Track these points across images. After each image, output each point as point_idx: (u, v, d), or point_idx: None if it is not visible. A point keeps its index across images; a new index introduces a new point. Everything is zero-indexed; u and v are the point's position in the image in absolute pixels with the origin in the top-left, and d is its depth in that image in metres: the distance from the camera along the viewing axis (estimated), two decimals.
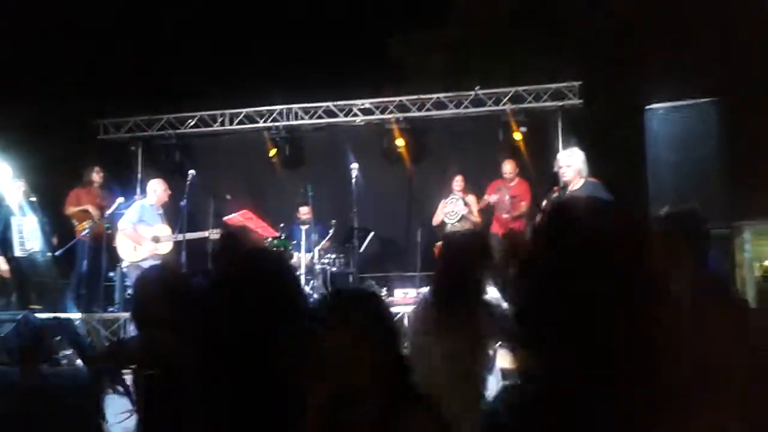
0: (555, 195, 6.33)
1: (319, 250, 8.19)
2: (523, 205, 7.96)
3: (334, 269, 8.26)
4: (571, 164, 6.21)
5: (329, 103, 9.90)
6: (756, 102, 10.20)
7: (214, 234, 7.61)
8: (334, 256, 8.30)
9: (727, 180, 5.64)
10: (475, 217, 8.35)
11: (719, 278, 2.54)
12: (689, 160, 5.64)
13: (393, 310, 7.73)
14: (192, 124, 10.19)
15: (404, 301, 8.02)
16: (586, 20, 12.58)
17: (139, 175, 10.07)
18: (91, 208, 8.23)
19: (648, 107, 5.95)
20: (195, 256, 7.81)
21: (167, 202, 7.85)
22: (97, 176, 8.57)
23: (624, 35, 12.37)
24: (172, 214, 7.90)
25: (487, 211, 8.40)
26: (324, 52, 13.34)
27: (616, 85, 12.01)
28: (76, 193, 8.42)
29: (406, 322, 7.55)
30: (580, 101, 9.04)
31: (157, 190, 7.69)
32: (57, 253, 7.65)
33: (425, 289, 7.76)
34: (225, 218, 7.78)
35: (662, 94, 6.00)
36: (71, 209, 8.30)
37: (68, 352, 5.08)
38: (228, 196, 8.54)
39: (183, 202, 7.09)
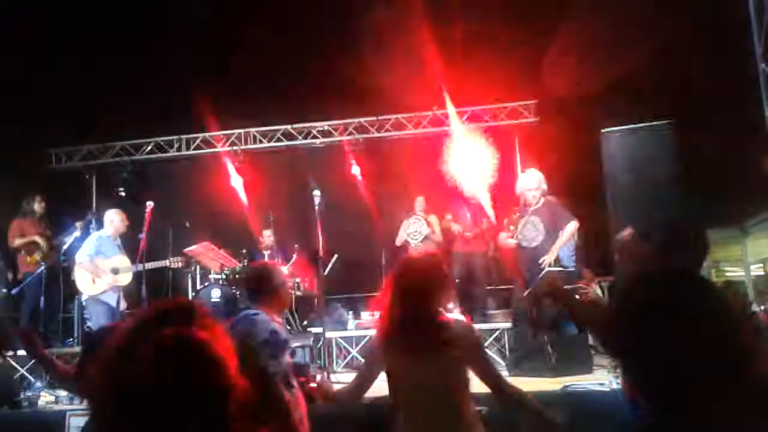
0: (519, 214, 6.44)
1: None
2: (485, 223, 8.04)
3: (299, 293, 8.18)
4: (537, 187, 6.36)
5: (288, 126, 9.85)
6: (707, 121, 10.59)
7: (174, 263, 7.48)
8: (298, 280, 8.23)
9: (680, 195, 5.81)
10: (438, 237, 8.40)
11: None
12: (645, 180, 5.81)
13: (360, 332, 7.73)
14: (147, 150, 10.01)
15: (371, 323, 7.99)
16: (540, 42, 12.83)
17: (94, 205, 9.81)
18: (39, 239, 7.96)
19: (604, 130, 6.11)
20: (155, 286, 7.65)
21: (125, 232, 7.66)
22: (38, 206, 8.22)
23: (577, 58, 12.66)
24: (131, 244, 7.70)
25: (450, 230, 8.44)
26: (280, 75, 13.26)
27: (571, 105, 12.27)
28: (18, 224, 8.06)
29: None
30: (537, 119, 9.20)
31: (114, 220, 7.49)
32: (13, 292, 7.37)
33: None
34: (185, 250, 7.65)
35: (617, 117, 6.17)
36: (17, 241, 7.96)
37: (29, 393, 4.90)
38: (187, 224, 8.41)
39: (141, 235, 6.90)
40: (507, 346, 7.20)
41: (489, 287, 8.09)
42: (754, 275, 11.39)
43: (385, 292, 2.95)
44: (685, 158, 6.14)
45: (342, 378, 3.96)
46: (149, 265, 7.24)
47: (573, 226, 6.18)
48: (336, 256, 8.51)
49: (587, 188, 7.56)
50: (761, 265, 12.11)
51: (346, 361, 7.52)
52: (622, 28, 11.86)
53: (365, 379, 2.99)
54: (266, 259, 8.03)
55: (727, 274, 11.98)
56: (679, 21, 11.39)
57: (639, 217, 5.78)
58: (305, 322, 7.92)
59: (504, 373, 6.52)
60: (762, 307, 7.20)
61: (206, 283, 8.02)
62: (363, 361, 2.96)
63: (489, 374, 2.81)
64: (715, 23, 9.85)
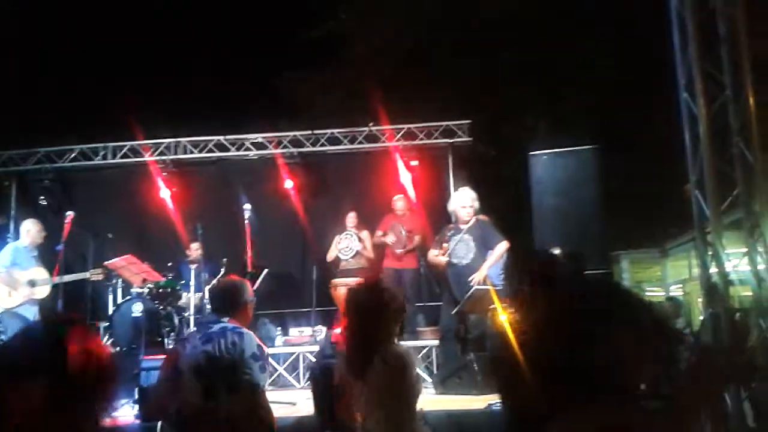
0: (451, 232, 6.50)
1: (209, 290, 7.90)
2: (416, 239, 8.07)
3: None
4: (470, 205, 6.46)
5: (220, 137, 9.67)
6: (630, 145, 11.02)
7: (95, 275, 7.19)
8: None
9: (604, 218, 5.98)
10: (369, 253, 8.37)
11: None
12: (570, 202, 5.98)
13: (289, 348, 7.60)
14: (71, 157, 9.63)
15: (299, 339, 7.88)
16: (472, 64, 13.14)
17: (13, 213, 9.34)
18: None
19: (531, 153, 6.25)
20: (74, 300, 7.32)
21: (42, 243, 7.31)
22: None
23: (507, 83, 13.03)
24: (49, 255, 7.35)
25: (381, 246, 8.44)
26: (215, 86, 13.08)
27: (502, 127, 12.60)
28: None
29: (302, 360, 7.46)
30: (470, 139, 9.34)
31: (30, 230, 7.15)
32: None
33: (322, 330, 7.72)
34: (106, 262, 7.36)
35: (544, 141, 6.34)
36: None
37: None
38: (110, 235, 8.12)
39: (59, 246, 6.61)
40: (435, 363, 7.22)
41: (418, 304, 8.10)
42: (672, 296, 11.84)
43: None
44: (609, 182, 6.34)
45: (270, 396, 3.84)
46: (67, 278, 6.95)
47: (503, 246, 6.27)
48: (266, 270, 8.35)
49: (515, 208, 7.73)
50: (680, 285, 12.60)
51: (272, 378, 7.36)
52: (550, 56, 12.29)
53: None
54: (192, 272, 7.80)
55: (647, 294, 12.40)
56: (606, 51, 11.93)
57: (563, 238, 5.93)
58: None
59: (431, 390, 6.55)
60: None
61: (128, 297, 7.73)
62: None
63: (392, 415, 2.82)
64: (641, 54, 10.33)
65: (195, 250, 8.26)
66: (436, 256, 6.63)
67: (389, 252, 8.26)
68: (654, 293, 12.86)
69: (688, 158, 4.94)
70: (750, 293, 4.74)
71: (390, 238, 8.20)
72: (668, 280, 12.72)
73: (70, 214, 6.84)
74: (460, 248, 6.42)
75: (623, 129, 11.38)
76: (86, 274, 7.16)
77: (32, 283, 6.92)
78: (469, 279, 6.22)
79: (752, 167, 4.65)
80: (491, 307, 5.46)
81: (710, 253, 4.80)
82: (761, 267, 4.66)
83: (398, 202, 8.41)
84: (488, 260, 6.25)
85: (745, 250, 4.76)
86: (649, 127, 10.98)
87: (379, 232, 8.34)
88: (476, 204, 6.50)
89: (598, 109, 11.59)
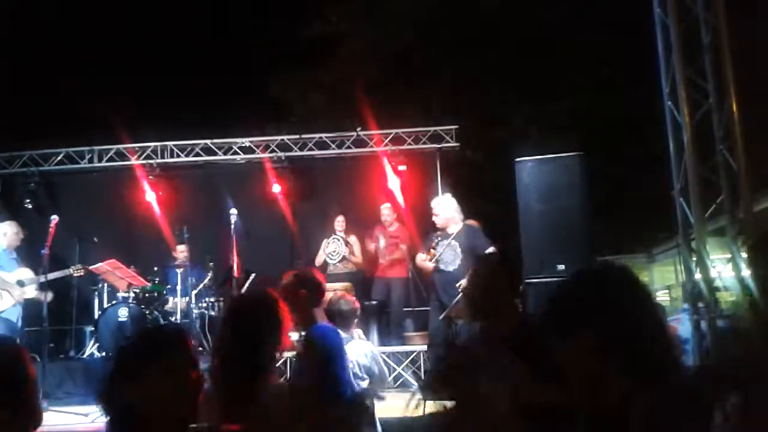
0: (438, 238, 6.51)
1: (196, 294, 7.87)
2: (403, 248, 8.05)
3: (212, 313, 7.94)
4: (440, 213, 6.49)
5: (207, 141, 9.63)
6: (617, 153, 11.12)
7: (77, 271, 7.13)
8: (212, 299, 8.00)
9: (590, 224, 6.03)
10: (357, 258, 8.37)
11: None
12: (556, 208, 6.00)
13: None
14: (57, 160, 9.56)
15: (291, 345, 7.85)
16: (460, 69, 13.21)
17: None
18: None
19: (517, 160, 6.28)
20: (59, 303, 7.27)
21: (19, 245, 7.24)
22: None
23: (494, 89, 13.11)
24: (34, 258, 7.28)
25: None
26: (204, 90, 13.03)
27: (489, 133, 12.66)
28: None
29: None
30: (457, 144, 9.36)
31: (7, 233, 7.08)
32: None
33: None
34: (91, 267, 7.31)
35: (530, 147, 6.40)
36: None
37: None
38: (95, 239, 8.06)
39: (44, 251, 6.54)
40: (422, 368, 7.22)
41: (406, 309, 8.11)
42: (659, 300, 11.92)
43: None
44: (596, 188, 6.39)
45: None
46: (52, 276, 6.87)
47: (491, 251, 6.28)
48: (254, 275, 8.32)
49: (502, 214, 7.75)
50: (666, 291, 12.70)
51: None
52: (537, 63, 12.37)
53: None
54: (179, 276, 7.76)
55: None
56: (593, 58, 12.03)
57: (550, 244, 5.96)
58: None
59: (418, 395, 6.54)
60: None
61: (113, 302, 7.68)
62: None
63: None
64: (626, 63, 10.43)
65: (181, 254, 8.23)
66: (423, 260, 6.64)
67: (379, 261, 8.28)
68: None
69: (672, 165, 4.99)
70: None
71: (372, 246, 8.23)
72: (655, 285, 12.81)
73: (54, 218, 6.77)
74: (447, 254, 6.43)
75: (609, 136, 11.47)
76: (68, 271, 7.09)
77: (21, 283, 6.86)
78: (457, 285, 6.22)
79: (736, 174, 4.70)
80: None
81: (694, 259, 4.85)
82: (745, 273, 4.71)
83: (384, 210, 8.40)
84: None
85: (729, 256, 4.81)
86: (636, 135, 11.08)
87: (367, 240, 8.35)
88: (451, 211, 6.49)
89: (584, 116, 11.67)
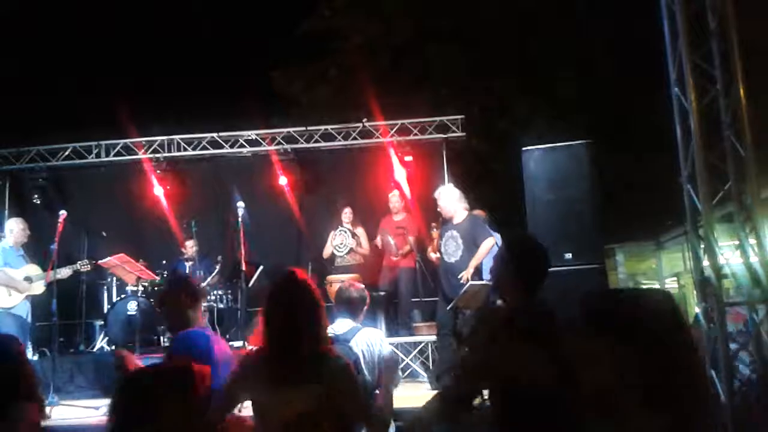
0: (442, 228, 6.51)
1: (205, 287, 7.91)
2: (411, 240, 8.03)
3: (221, 306, 7.99)
4: (442, 203, 6.47)
5: (214, 134, 9.64)
6: (625, 141, 11.05)
7: (84, 266, 7.17)
8: (221, 292, 8.04)
9: (598, 212, 6.00)
10: (364, 250, 8.37)
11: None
12: (563, 198, 5.98)
13: None
14: (64, 155, 9.60)
15: None
16: (466, 59, 13.15)
17: (7, 212, 9.31)
18: None
19: (524, 149, 6.26)
20: (69, 299, 7.32)
21: (27, 242, 7.29)
22: None
23: (500, 78, 13.04)
24: (42, 254, 7.33)
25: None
26: (209, 83, 13.03)
27: (495, 123, 12.61)
28: None
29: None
30: (463, 134, 9.33)
31: (14, 230, 7.13)
32: None
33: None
34: (99, 261, 7.35)
35: (537, 136, 6.36)
36: None
37: None
38: (104, 233, 8.11)
39: (53, 245, 6.58)
40: (431, 359, 7.24)
41: (414, 299, 8.12)
42: (668, 288, 11.88)
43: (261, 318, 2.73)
44: (604, 176, 6.35)
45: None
46: (58, 274, 6.92)
47: (489, 242, 6.25)
48: (261, 267, 8.35)
49: (509, 203, 7.72)
50: (675, 278, 12.64)
51: None
52: (544, 51, 12.29)
53: (225, 408, 2.74)
54: (187, 269, 7.80)
55: (643, 287, 12.44)
56: (599, 46, 11.95)
57: (557, 233, 5.94)
58: (227, 336, 7.72)
59: (426, 386, 6.57)
60: None
61: (122, 296, 7.73)
62: (223, 390, 2.71)
63: (356, 413, 2.69)
64: (632, 50, 10.35)
65: (190, 247, 8.27)
66: (429, 252, 6.66)
67: (386, 255, 8.28)
68: (649, 286, 12.89)
69: (680, 152, 4.95)
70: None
71: (379, 242, 8.23)
72: (663, 272, 12.76)
73: (63, 213, 6.82)
74: (449, 245, 6.43)
75: (617, 123, 11.40)
76: (75, 266, 7.14)
77: (29, 280, 6.92)
78: (459, 276, 6.22)
79: (743, 160, 4.67)
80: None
81: (702, 246, 4.82)
82: (753, 260, 4.68)
83: (392, 198, 8.39)
84: (474, 257, 6.25)
85: (737, 242, 4.78)
86: (643, 121, 11.01)
87: (378, 240, 8.34)
88: (453, 202, 6.47)
89: (591, 104, 11.60)
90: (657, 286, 12.53)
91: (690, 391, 1.32)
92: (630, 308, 1.40)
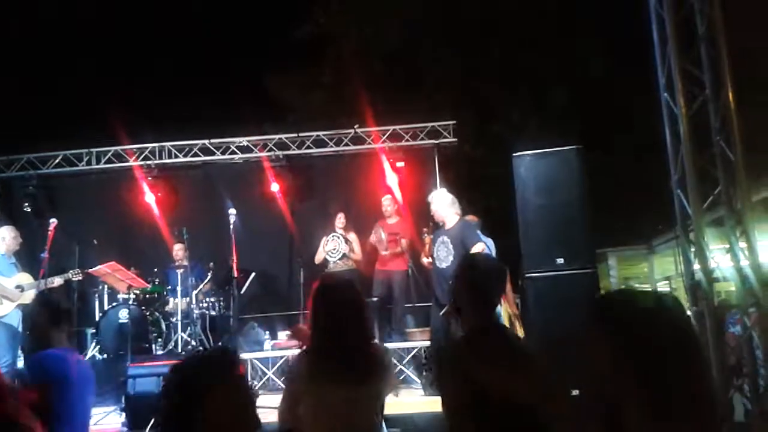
0: (434, 233, 6.51)
1: (197, 294, 7.88)
2: (403, 243, 8.03)
3: (213, 313, 7.96)
4: (434, 208, 6.47)
5: (205, 141, 9.63)
6: (615, 145, 11.11)
7: (75, 275, 7.12)
8: (213, 299, 8.01)
9: (589, 216, 6.01)
10: (357, 255, 8.36)
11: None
12: (555, 203, 5.99)
13: (277, 352, 7.59)
14: (55, 163, 9.56)
15: (288, 343, 7.86)
16: (457, 65, 13.20)
17: None
18: None
19: (515, 154, 6.27)
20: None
21: (18, 249, 7.23)
22: None
23: (491, 84, 13.09)
24: (33, 262, 7.29)
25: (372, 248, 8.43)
26: (201, 90, 13.02)
27: (486, 128, 12.65)
28: None
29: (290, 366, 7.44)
30: (455, 140, 9.36)
31: (5, 238, 7.05)
32: None
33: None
34: (90, 270, 7.31)
35: (528, 141, 6.36)
36: None
37: None
38: (95, 241, 8.07)
39: (43, 254, 6.54)
40: (424, 364, 7.22)
41: (408, 305, 8.11)
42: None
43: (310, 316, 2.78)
44: (595, 181, 6.36)
45: (258, 401, 3.82)
46: (49, 283, 6.87)
47: (479, 248, 6.24)
48: (253, 274, 8.34)
49: (501, 209, 7.73)
50: (666, 281, 12.70)
51: (261, 382, 7.35)
52: (534, 57, 12.35)
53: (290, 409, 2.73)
54: (179, 277, 7.77)
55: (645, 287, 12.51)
56: (589, 51, 12.02)
57: (549, 238, 5.95)
58: (219, 343, 7.68)
59: (420, 392, 6.56)
60: None
61: (114, 304, 7.69)
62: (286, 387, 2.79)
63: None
64: (622, 55, 10.42)
65: (181, 254, 8.23)
66: (422, 257, 6.67)
67: (379, 255, 8.27)
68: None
69: (669, 157, 4.98)
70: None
71: (372, 238, 8.22)
72: (655, 276, 12.80)
73: (53, 221, 6.78)
74: (441, 250, 6.42)
75: (607, 128, 11.47)
76: (67, 275, 7.09)
77: (20, 288, 6.85)
78: (449, 281, 6.19)
79: (733, 165, 4.69)
80: None
81: (693, 250, 4.85)
82: (744, 263, 4.70)
83: (385, 202, 8.40)
84: None
85: (727, 246, 4.80)
86: (633, 127, 11.08)
87: (372, 237, 8.34)
88: (445, 207, 6.47)
89: (581, 110, 11.66)
90: (649, 289, 12.57)
91: (704, 406, 1.29)
92: (645, 316, 1.35)
